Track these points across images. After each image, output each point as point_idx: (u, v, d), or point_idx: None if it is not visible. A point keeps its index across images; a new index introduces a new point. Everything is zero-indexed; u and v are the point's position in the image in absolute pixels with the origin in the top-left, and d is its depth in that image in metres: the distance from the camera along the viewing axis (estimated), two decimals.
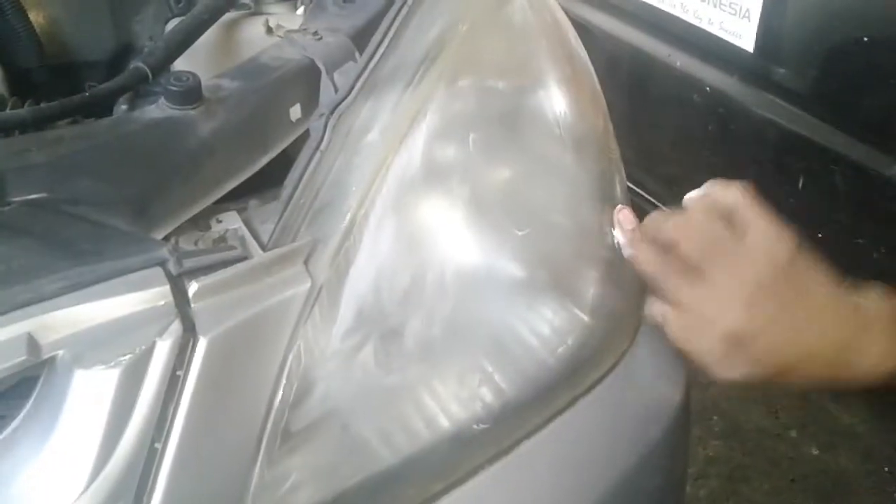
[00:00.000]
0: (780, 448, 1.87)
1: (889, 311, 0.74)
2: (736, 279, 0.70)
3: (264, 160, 0.77)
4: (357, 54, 0.81)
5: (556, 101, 0.80)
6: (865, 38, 1.53)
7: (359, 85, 0.74)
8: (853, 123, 1.60)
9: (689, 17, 1.82)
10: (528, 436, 0.81)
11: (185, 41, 0.86)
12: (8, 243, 0.60)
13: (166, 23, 1.00)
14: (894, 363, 0.72)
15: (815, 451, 1.91)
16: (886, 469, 1.89)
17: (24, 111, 0.74)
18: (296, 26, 0.90)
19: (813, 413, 1.96)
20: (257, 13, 0.98)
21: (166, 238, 0.67)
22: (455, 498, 0.76)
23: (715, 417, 1.96)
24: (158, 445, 0.60)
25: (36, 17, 0.99)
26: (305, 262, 0.68)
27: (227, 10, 0.93)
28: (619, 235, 0.78)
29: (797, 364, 0.71)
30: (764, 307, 0.69)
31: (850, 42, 1.58)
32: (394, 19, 0.77)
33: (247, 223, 0.71)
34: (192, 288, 0.61)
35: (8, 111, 0.77)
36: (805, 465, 1.88)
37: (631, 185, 0.90)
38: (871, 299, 0.74)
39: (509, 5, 0.81)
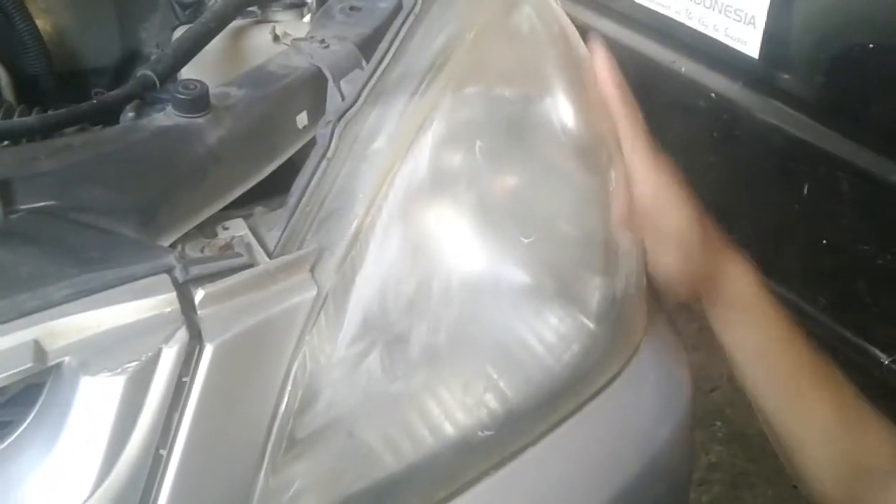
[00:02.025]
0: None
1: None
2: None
3: (271, 168, 0.77)
4: (364, 62, 0.81)
5: (562, 110, 0.80)
6: (871, 45, 1.53)
7: (365, 93, 0.74)
8: (859, 130, 1.60)
9: (695, 24, 1.82)
10: (532, 443, 0.81)
11: (192, 49, 0.86)
12: (15, 251, 0.61)
13: (173, 30, 1.00)
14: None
15: None
16: None
17: (32, 119, 0.74)
18: (302, 34, 0.90)
19: None
20: (264, 21, 0.98)
21: (173, 245, 0.67)
22: None
23: (718, 423, 1.96)
24: (164, 452, 0.61)
25: (43, 24, 0.99)
26: (311, 270, 0.68)
27: (234, 18, 0.93)
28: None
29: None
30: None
31: (855, 48, 1.58)
32: (400, 27, 0.77)
33: (253, 230, 0.71)
34: (199, 295, 0.61)
35: (15, 119, 0.77)
36: None
37: None
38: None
39: (516, 14, 0.81)
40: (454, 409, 0.76)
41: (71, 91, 0.94)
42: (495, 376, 0.78)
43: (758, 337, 0.81)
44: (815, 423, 0.79)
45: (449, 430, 0.75)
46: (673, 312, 1.05)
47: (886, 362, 1.59)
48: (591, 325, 0.83)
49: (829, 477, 0.78)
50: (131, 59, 1.05)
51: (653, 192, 0.79)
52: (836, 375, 0.81)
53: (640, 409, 0.92)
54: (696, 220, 0.80)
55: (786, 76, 1.70)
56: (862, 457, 0.78)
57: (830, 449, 0.78)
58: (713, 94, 1.81)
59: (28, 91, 0.94)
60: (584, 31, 0.86)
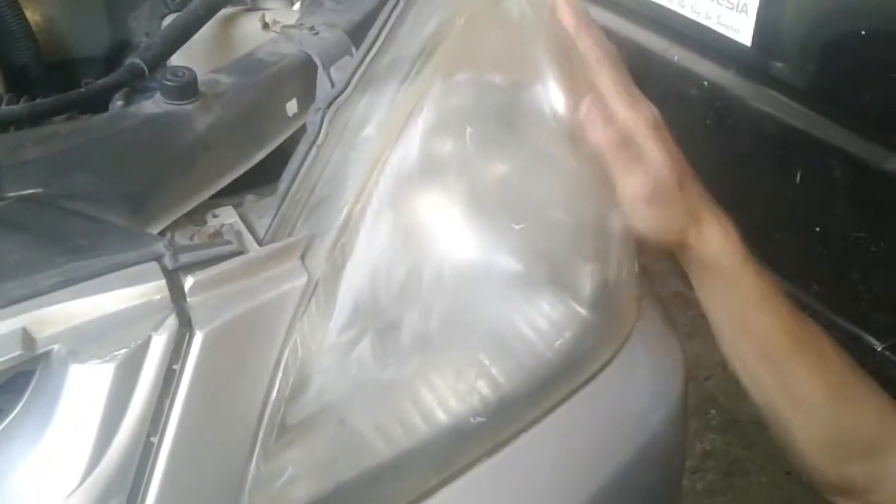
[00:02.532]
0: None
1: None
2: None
3: (261, 155, 0.77)
4: (353, 49, 0.81)
5: (552, 96, 0.80)
6: (863, 32, 1.53)
7: (355, 80, 0.74)
8: (851, 117, 1.60)
9: (687, 12, 1.82)
10: (525, 429, 0.81)
11: (181, 37, 0.86)
12: (3, 239, 0.60)
13: (162, 19, 1.00)
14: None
15: None
16: None
17: (20, 107, 0.74)
18: (292, 21, 0.90)
19: None
20: (253, 8, 0.98)
21: (162, 233, 0.67)
22: (453, 491, 0.76)
23: (712, 411, 1.97)
24: (154, 440, 0.61)
25: (32, 14, 0.98)
26: (302, 257, 0.68)
27: (224, 6, 0.93)
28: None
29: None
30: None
31: (847, 36, 1.57)
32: (390, 14, 0.76)
33: (243, 218, 0.71)
34: (188, 282, 0.61)
35: (3, 107, 0.76)
36: None
37: None
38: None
39: (506, 0, 0.81)
40: (446, 396, 0.76)
41: (60, 80, 0.93)
42: (487, 363, 0.78)
43: (736, 300, 0.78)
44: (800, 396, 0.76)
45: (441, 417, 0.75)
46: (666, 300, 1.05)
47: (880, 349, 1.60)
48: (584, 312, 0.83)
49: (819, 451, 0.76)
50: (121, 48, 1.04)
51: (627, 124, 0.75)
52: (820, 342, 0.77)
53: (633, 395, 0.92)
54: (676, 160, 0.77)
55: (778, 64, 1.70)
56: (850, 429, 0.76)
57: (818, 421, 0.76)
58: (706, 83, 1.81)
59: (17, 81, 0.93)
60: None
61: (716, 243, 0.77)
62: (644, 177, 0.76)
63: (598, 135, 0.75)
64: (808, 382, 0.76)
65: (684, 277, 0.83)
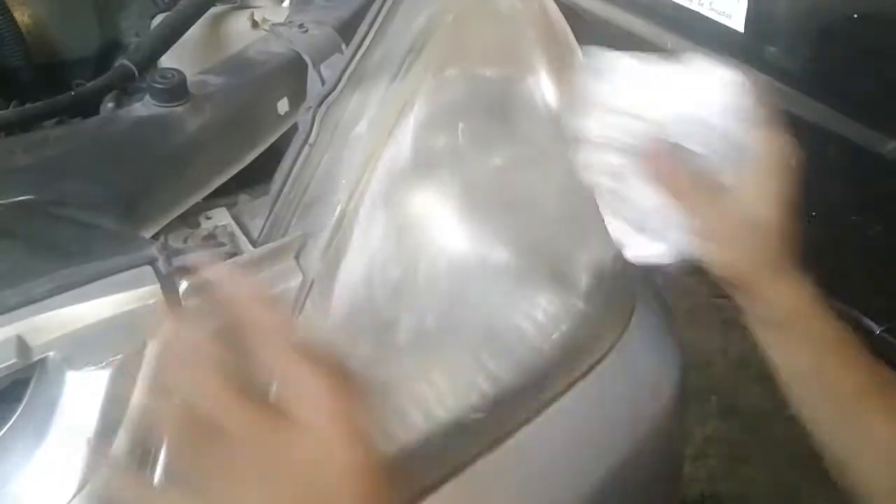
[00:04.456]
0: (778, 427, 1.87)
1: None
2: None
3: (252, 155, 0.76)
4: (343, 46, 0.80)
5: (544, 88, 0.80)
6: (856, 15, 1.53)
7: (346, 77, 0.73)
8: (846, 101, 1.59)
9: None
10: (525, 423, 0.81)
11: (170, 37, 0.86)
12: None
13: (152, 19, 0.99)
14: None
15: None
16: None
17: (10, 112, 0.74)
18: (281, 19, 0.90)
19: None
20: (243, 7, 0.97)
21: (155, 236, 0.67)
22: (454, 487, 0.76)
23: (713, 397, 1.97)
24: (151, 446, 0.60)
25: (21, 16, 0.98)
26: (296, 257, 0.68)
27: (213, 4, 0.93)
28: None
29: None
30: None
31: (840, 19, 1.57)
32: (379, 10, 0.76)
33: (236, 219, 0.71)
34: (183, 286, 0.61)
35: None
36: (804, 443, 1.88)
37: None
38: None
39: None
40: (445, 392, 0.76)
41: (50, 83, 0.93)
42: (485, 358, 0.78)
43: (810, 356, 0.74)
44: (875, 448, 0.72)
45: (440, 413, 0.75)
46: (664, 288, 1.05)
47: (878, 332, 1.60)
48: (581, 305, 0.83)
49: (883, 497, 0.72)
50: (111, 48, 1.04)
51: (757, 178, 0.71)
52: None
53: (632, 385, 0.92)
54: (785, 216, 0.71)
55: (772, 49, 1.70)
56: None
57: (891, 475, 0.72)
58: None
59: (6, 84, 0.92)
60: (566, 9, 0.86)
61: (791, 302, 0.73)
62: (723, 214, 0.71)
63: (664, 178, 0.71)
64: (882, 424, 0.72)
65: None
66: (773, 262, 0.72)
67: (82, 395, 0.58)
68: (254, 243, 0.68)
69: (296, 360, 0.49)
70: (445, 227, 0.76)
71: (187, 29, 0.87)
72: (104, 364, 0.57)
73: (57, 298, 0.58)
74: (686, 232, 0.71)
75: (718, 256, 0.72)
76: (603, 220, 0.82)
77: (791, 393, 0.76)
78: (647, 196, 0.71)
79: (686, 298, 2.05)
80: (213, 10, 0.93)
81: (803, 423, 0.77)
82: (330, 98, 0.73)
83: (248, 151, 0.75)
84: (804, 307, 0.73)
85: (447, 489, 0.76)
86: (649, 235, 0.73)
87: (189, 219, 0.70)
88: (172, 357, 0.51)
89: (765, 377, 0.76)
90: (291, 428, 0.48)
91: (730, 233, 0.71)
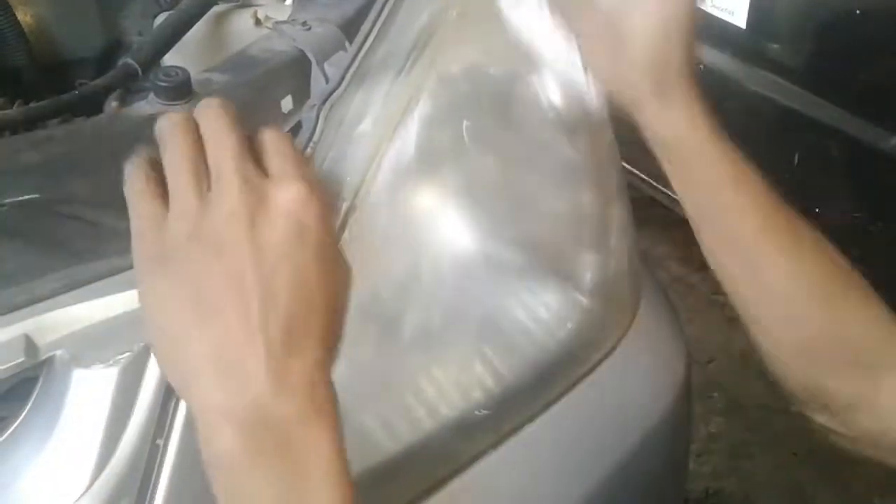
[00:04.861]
0: (781, 423, 1.87)
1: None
2: None
3: None
4: (347, 44, 0.80)
5: (549, 85, 0.80)
6: (858, 11, 1.53)
7: (350, 74, 0.73)
8: (848, 97, 1.60)
9: None
10: (529, 420, 0.81)
11: (173, 36, 0.86)
12: (2, 246, 0.60)
13: (155, 17, 0.99)
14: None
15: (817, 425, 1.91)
16: None
17: (14, 111, 0.74)
18: (284, 17, 0.90)
19: None
20: (246, 5, 0.97)
21: None
22: (459, 484, 0.76)
23: (716, 394, 1.97)
24: (160, 442, 0.61)
25: (23, 16, 0.98)
26: None
27: (215, 3, 0.93)
28: None
29: None
30: None
31: (842, 16, 1.57)
32: (383, 7, 0.76)
33: None
34: None
35: None
36: (807, 439, 1.88)
37: (625, 164, 0.90)
38: None
39: None
40: (450, 389, 0.76)
41: (53, 82, 0.93)
42: (490, 355, 0.78)
43: (707, 194, 0.68)
44: (773, 288, 0.66)
45: (445, 410, 0.76)
46: (667, 285, 1.05)
47: None
48: (585, 302, 0.83)
49: (793, 356, 0.67)
50: (114, 48, 1.04)
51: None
52: (800, 230, 0.67)
53: (637, 382, 0.92)
54: (675, 40, 0.67)
55: (774, 45, 1.70)
56: (834, 335, 0.66)
57: (793, 320, 0.66)
58: (701, 66, 1.80)
59: (10, 83, 0.93)
60: None
61: (675, 131, 0.68)
62: (591, 15, 0.67)
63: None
64: (782, 272, 0.65)
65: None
66: (659, 85, 0.67)
67: (90, 393, 0.58)
68: None
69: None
70: (450, 224, 0.76)
71: (190, 27, 0.87)
72: (112, 362, 0.58)
73: (64, 297, 0.58)
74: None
75: (598, 67, 0.70)
76: (607, 217, 0.82)
77: (699, 238, 0.69)
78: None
79: (688, 295, 2.05)
80: (215, 9, 0.93)
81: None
82: (334, 96, 0.73)
83: None
84: (696, 141, 0.68)
85: (453, 486, 0.76)
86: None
87: None
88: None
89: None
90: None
91: (605, 42, 0.67)
